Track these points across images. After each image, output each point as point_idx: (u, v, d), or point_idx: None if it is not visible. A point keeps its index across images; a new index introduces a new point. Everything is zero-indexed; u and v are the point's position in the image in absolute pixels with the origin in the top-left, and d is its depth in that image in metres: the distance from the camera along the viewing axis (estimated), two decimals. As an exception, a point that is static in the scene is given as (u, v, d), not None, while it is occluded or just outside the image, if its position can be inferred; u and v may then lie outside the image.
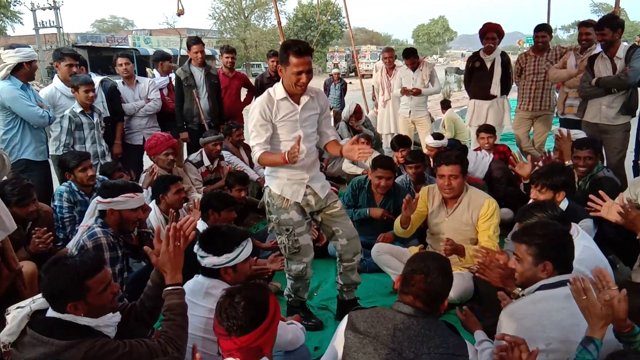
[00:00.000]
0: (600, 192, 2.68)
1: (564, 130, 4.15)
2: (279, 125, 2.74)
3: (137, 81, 5.30)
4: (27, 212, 3.13)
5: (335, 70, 9.79)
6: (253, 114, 2.74)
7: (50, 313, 1.78)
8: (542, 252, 1.98)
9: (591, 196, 2.70)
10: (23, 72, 4.00)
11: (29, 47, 4.17)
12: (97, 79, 4.96)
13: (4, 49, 4.02)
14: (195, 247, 2.29)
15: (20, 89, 3.97)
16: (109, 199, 2.86)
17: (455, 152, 3.64)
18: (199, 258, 2.27)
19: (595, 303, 1.68)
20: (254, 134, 2.74)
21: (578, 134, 4.18)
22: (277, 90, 2.73)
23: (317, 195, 2.86)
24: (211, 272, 2.27)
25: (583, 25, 4.98)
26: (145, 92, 5.28)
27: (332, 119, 2.98)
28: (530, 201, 2.97)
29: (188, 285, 2.29)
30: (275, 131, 2.75)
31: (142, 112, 5.23)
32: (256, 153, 2.72)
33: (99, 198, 2.93)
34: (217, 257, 2.22)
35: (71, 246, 3.03)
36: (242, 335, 1.64)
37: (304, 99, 2.74)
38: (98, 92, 4.84)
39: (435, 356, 1.69)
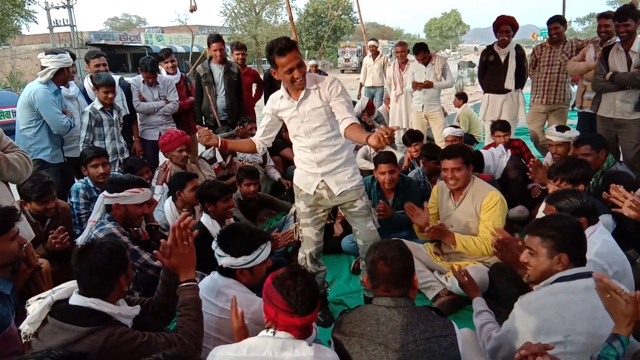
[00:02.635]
0: (613, 185, 2.64)
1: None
2: (287, 121, 2.82)
3: (156, 82, 5.37)
4: (46, 209, 3.19)
5: (311, 62, 8.94)
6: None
7: (73, 301, 1.81)
8: (557, 244, 1.97)
9: (612, 186, 2.67)
10: (62, 77, 4.10)
11: (67, 52, 4.23)
12: (115, 77, 5.04)
13: (46, 54, 4.09)
14: (214, 244, 2.31)
15: (53, 93, 4.05)
16: (115, 194, 2.93)
17: (456, 145, 3.66)
18: (216, 256, 2.29)
19: (620, 300, 1.66)
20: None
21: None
22: (281, 90, 2.78)
23: (330, 191, 2.85)
24: (227, 272, 2.28)
25: (602, 17, 4.88)
26: (164, 92, 5.37)
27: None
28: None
29: (204, 282, 2.32)
30: (284, 121, 2.85)
31: (161, 112, 5.32)
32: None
33: (105, 193, 3.00)
34: (234, 258, 2.22)
35: (80, 241, 3.04)
36: (307, 315, 1.71)
37: (301, 94, 2.68)
38: (118, 91, 4.93)
39: (421, 342, 1.72)
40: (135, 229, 3.09)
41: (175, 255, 2.03)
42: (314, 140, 2.74)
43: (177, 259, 2.03)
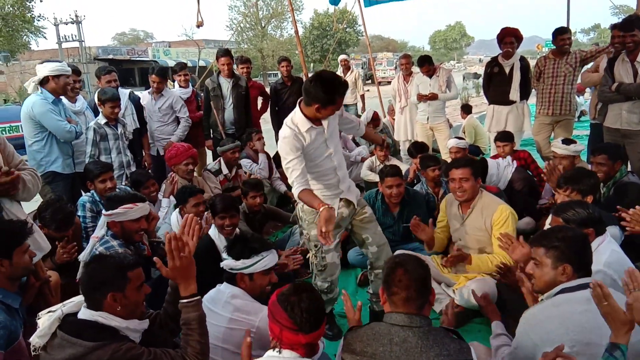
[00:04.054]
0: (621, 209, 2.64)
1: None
2: (311, 149, 2.68)
3: (161, 94, 5.42)
4: (63, 236, 3.19)
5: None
6: (283, 147, 2.61)
7: (82, 314, 1.81)
8: (561, 254, 1.96)
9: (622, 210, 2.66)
10: (50, 86, 4.11)
11: (61, 62, 4.27)
12: (125, 91, 5.10)
13: (40, 64, 4.15)
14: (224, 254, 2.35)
15: (51, 103, 4.08)
16: (110, 212, 2.94)
17: (465, 156, 3.64)
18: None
19: (617, 308, 1.64)
20: (290, 170, 2.60)
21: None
22: (300, 123, 2.62)
23: (350, 205, 2.85)
24: (231, 279, 2.30)
25: (616, 27, 4.89)
26: (168, 106, 5.41)
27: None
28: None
29: (210, 295, 2.32)
30: (308, 155, 2.69)
31: (179, 134, 5.39)
32: (296, 190, 2.58)
33: (103, 211, 3.01)
34: (234, 260, 2.26)
35: (83, 257, 3.00)
36: (311, 332, 1.67)
37: (325, 120, 2.68)
38: (128, 105, 4.98)
39: None
40: (137, 244, 3.08)
41: (172, 267, 1.94)
42: (339, 157, 2.79)
43: (175, 271, 1.94)
